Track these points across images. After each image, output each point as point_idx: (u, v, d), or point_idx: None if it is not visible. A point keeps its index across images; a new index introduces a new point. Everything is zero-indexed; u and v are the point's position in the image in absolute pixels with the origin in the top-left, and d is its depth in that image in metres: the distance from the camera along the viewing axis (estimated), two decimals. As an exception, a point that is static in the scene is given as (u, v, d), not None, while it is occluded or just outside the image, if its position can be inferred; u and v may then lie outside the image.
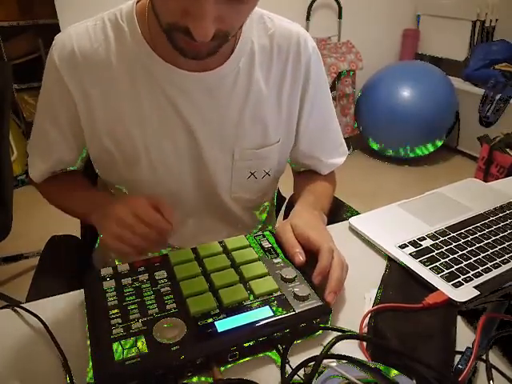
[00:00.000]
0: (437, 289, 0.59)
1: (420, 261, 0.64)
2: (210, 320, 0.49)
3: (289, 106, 0.76)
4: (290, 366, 0.47)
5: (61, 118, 0.70)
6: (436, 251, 0.67)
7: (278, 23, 0.74)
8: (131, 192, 0.76)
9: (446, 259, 0.65)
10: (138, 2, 0.68)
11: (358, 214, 0.81)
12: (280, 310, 0.51)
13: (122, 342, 0.46)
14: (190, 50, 0.58)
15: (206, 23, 0.51)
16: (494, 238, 0.70)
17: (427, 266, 0.63)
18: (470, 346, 0.50)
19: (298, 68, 0.74)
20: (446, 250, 0.67)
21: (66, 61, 0.66)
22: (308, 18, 2.78)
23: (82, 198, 0.76)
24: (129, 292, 0.53)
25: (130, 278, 0.55)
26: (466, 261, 0.64)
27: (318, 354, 0.45)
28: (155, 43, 0.66)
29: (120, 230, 0.59)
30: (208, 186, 0.76)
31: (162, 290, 0.53)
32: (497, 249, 0.67)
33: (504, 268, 0.63)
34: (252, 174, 0.77)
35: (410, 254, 0.66)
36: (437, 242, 0.69)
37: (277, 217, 1.01)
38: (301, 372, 0.46)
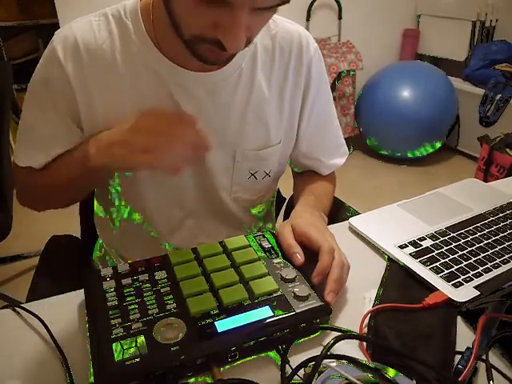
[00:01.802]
0: (437, 289, 0.59)
1: (420, 261, 0.65)
2: (210, 320, 0.49)
3: (290, 106, 0.76)
4: (290, 366, 0.47)
5: (61, 110, 0.67)
6: (436, 251, 0.67)
7: (280, 24, 0.74)
8: (129, 192, 0.76)
9: (446, 259, 0.65)
10: None
11: (358, 214, 0.81)
12: (280, 310, 0.51)
13: (122, 342, 0.46)
14: (212, 58, 0.58)
15: (239, 35, 0.51)
16: (494, 238, 0.70)
17: (427, 266, 0.63)
18: (470, 346, 0.50)
19: (300, 69, 0.74)
20: (446, 250, 0.67)
21: (71, 54, 0.65)
22: (308, 19, 2.78)
23: (68, 153, 0.68)
24: (129, 292, 0.53)
25: (130, 278, 0.55)
26: (466, 261, 0.64)
27: (318, 354, 0.45)
28: (159, 41, 0.66)
29: (153, 139, 0.54)
30: (208, 186, 0.76)
31: (162, 290, 0.53)
32: (497, 249, 0.67)
33: (504, 268, 0.63)
34: (252, 174, 0.77)
35: (409, 254, 0.66)
36: (437, 242, 0.69)
37: (277, 217, 1.01)
38: (301, 372, 0.46)
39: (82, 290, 0.57)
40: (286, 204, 1.00)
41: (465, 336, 0.53)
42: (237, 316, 0.50)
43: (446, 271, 0.62)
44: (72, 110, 0.68)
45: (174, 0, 0.54)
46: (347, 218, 0.77)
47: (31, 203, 0.77)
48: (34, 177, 0.71)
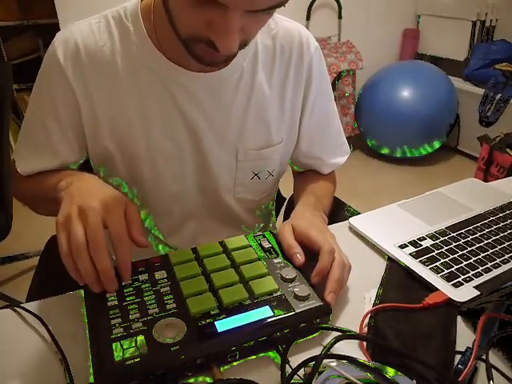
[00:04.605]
0: (437, 289, 0.59)
1: (420, 261, 0.64)
2: (210, 320, 0.49)
3: (291, 106, 0.76)
4: (290, 366, 0.47)
5: (62, 116, 0.68)
6: (436, 251, 0.67)
7: (280, 24, 0.74)
8: (130, 192, 0.76)
9: (446, 259, 0.65)
10: (142, 0, 0.68)
11: (358, 213, 0.81)
12: (280, 310, 0.51)
13: (122, 342, 0.46)
14: (208, 58, 0.58)
15: (232, 37, 0.51)
16: (494, 238, 0.70)
17: (427, 265, 0.63)
18: (470, 346, 0.50)
19: (301, 68, 0.74)
20: (446, 249, 0.67)
21: (71, 57, 0.65)
22: (308, 18, 2.78)
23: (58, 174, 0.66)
24: (129, 292, 0.53)
25: (129, 278, 0.55)
26: (466, 261, 0.64)
27: (318, 353, 0.45)
28: (160, 43, 0.66)
29: (63, 231, 0.50)
30: (211, 187, 0.76)
31: (162, 290, 0.53)
32: (497, 249, 0.67)
33: (504, 268, 0.63)
34: (256, 174, 0.77)
35: (410, 253, 0.66)
36: (437, 242, 0.69)
37: (277, 217, 1.01)
38: (301, 372, 0.46)
39: (82, 289, 0.57)
40: (286, 204, 1.00)
41: (465, 336, 0.53)
42: (237, 316, 0.50)
43: (446, 271, 0.62)
44: (74, 116, 0.68)
45: None
46: (347, 218, 0.77)
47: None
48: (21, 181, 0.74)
